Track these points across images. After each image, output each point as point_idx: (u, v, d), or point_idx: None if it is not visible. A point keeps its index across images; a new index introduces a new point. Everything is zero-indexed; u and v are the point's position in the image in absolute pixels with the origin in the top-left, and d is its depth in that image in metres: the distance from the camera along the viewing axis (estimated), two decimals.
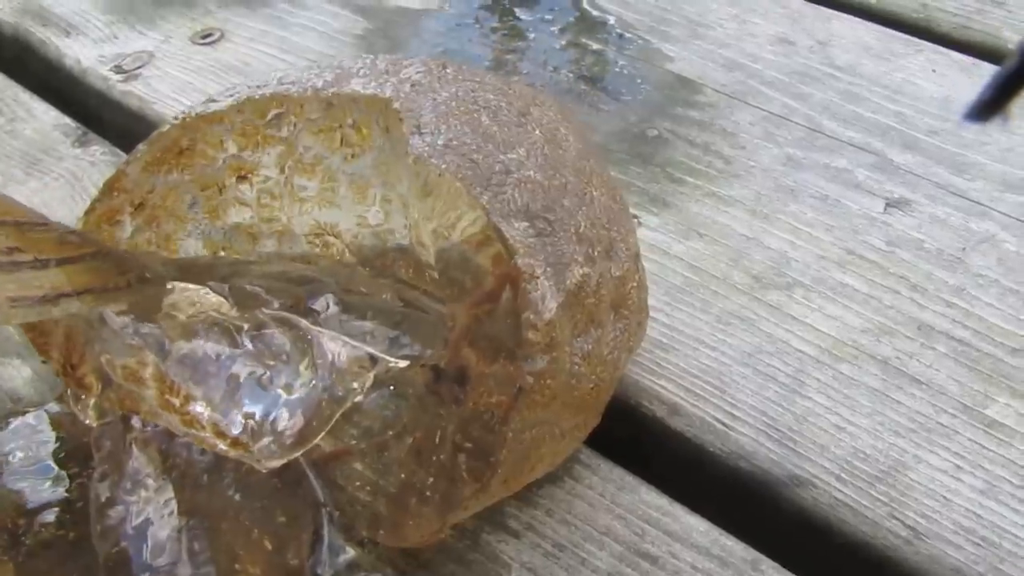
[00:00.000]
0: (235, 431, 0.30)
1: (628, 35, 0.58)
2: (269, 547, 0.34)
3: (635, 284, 0.36)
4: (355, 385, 0.31)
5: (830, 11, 0.58)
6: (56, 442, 0.37)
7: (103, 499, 0.33)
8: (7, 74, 0.58)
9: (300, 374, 0.31)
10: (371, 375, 0.32)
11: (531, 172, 0.33)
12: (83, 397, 0.32)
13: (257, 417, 0.30)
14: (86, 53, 0.60)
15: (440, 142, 0.33)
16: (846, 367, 0.41)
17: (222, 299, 0.31)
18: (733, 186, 0.48)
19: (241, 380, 0.30)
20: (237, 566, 0.33)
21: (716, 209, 0.47)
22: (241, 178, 0.38)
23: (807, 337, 0.42)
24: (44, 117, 0.55)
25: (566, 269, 0.32)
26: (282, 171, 0.39)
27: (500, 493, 0.34)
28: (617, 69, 0.55)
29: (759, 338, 0.42)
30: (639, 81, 0.54)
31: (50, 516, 0.35)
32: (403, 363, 0.32)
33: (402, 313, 0.34)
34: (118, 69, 0.57)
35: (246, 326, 0.31)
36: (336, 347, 0.30)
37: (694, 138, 0.51)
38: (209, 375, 0.30)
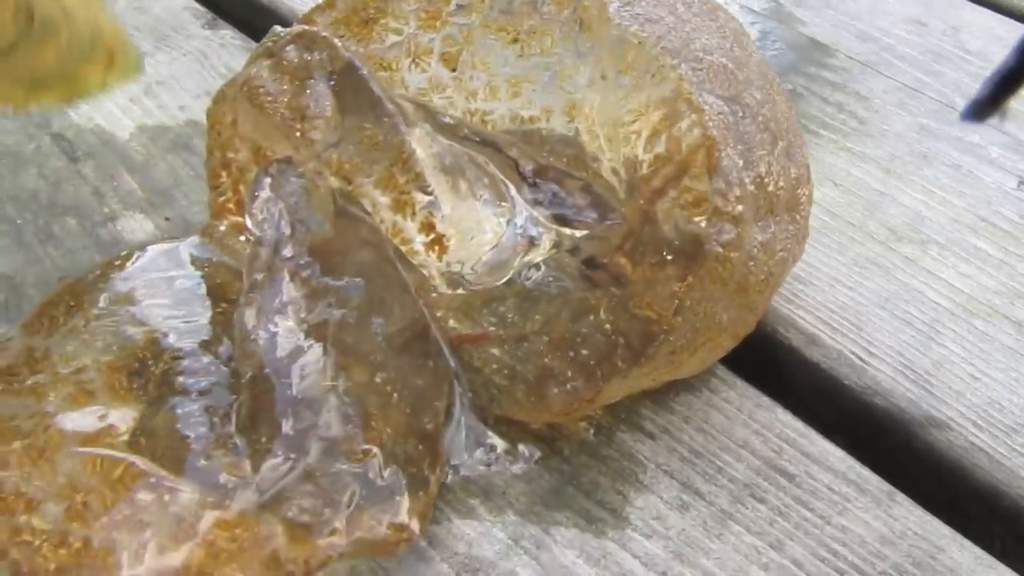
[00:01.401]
0: (443, 228, 0.29)
1: None
2: (407, 410, 0.33)
3: (806, 193, 0.35)
4: (540, 244, 0.30)
5: (962, 0, 0.58)
6: (191, 278, 0.36)
7: (250, 321, 0.32)
8: None
9: (500, 219, 0.30)
10: (553, 237, 0.31)
11: (723, 60, 0.33)
12: (259, 195, 0.32)
13: (466, 232, 0.29)
14: None
15: (640, 14, 0.33)
16: (980, 323, 0.41)
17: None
18: (867, 145, 0.48)
19: (469, 189, 0.30)
20: (376, 422, 0.32)
21: (850, 163, 0.47)
22: (415, 60, 0.38)
23: (942, 291, 0.42)
24: None
25: (754, 153, 0.32)
26: (455, 58, 0.38)
27: (661, 370, 0.33)
28: (748, 23, 0.55)
29: (895, 285, 0.42)
30: (773, 40, 0.54)
31: (182, 345, 0.34)
32: (580, 232, 0.32)
33: (584, 179, 0.34)
34: None
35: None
36: (527, 206, 0.30)
37: (828, 96, 0.51)
38: (448, 170, 0.29)
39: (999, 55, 0.54)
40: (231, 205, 0.38)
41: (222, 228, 0.38)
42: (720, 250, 0.31)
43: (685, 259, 0.31)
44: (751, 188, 0.32)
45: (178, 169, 0.44)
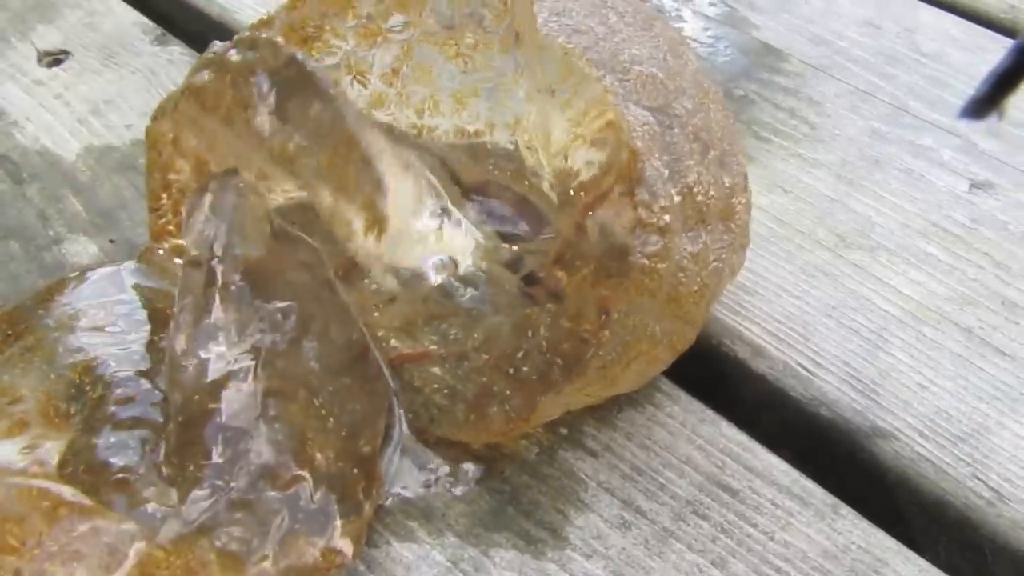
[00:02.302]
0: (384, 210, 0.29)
1: (714, 0, 0.58)
2: (343, 433, 0.33)
3: (743, 202, 0.35)
4: (476, 248, 0.31)
5: (917, 1, 0.58)
6: (129, 303, 0.36)
7: (180, 348, 0.32)
8: None
9: (439, 223, 0.30)
10: (489, 244, 0.31)
11: (654, 70, 0.33)
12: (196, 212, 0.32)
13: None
14: None
15: (568, 24, 0.33)
16: (929, 330, 0.40)
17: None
18: (818, 150, 0.48)
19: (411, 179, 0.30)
20: (310, 448, 0.32)
21: (801, 169, 0.47)
22: (356, 77, 0.38)
23: (890, 298, 0.41)
24: (123, 15, 0.54)
25: (681, 163, 0.32)
26: (395, 74, 0.38)
27: (594, 386, 0.33)
28: (702, 31, 0.55)
29: (843, 293, 0.41)
30: (725, 45, 0.54)
31: (118, 372, 0.33)
32: (517, 245, 0.32)
33: (521, 194, 0.34)
34: None
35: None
36: (463, 217, 0.30)
37: (780, 102, 0.50)
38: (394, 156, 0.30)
39: (954, 57, 0.54)
40: (171, 228, 0.38)
41: (161, 251, 0.38)
42: (646, 262, 0.31)
43: (610, 271, 0.31)
44: (677, 199, 0.32)
45: (123, 190, 0.44)
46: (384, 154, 0.33)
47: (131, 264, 0.37)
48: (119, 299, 0.36)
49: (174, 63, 0.50)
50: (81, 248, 0.41)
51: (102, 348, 0.35)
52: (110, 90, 0.49)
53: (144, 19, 0.53)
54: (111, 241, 0.42)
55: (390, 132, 0.35)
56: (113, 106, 0.48)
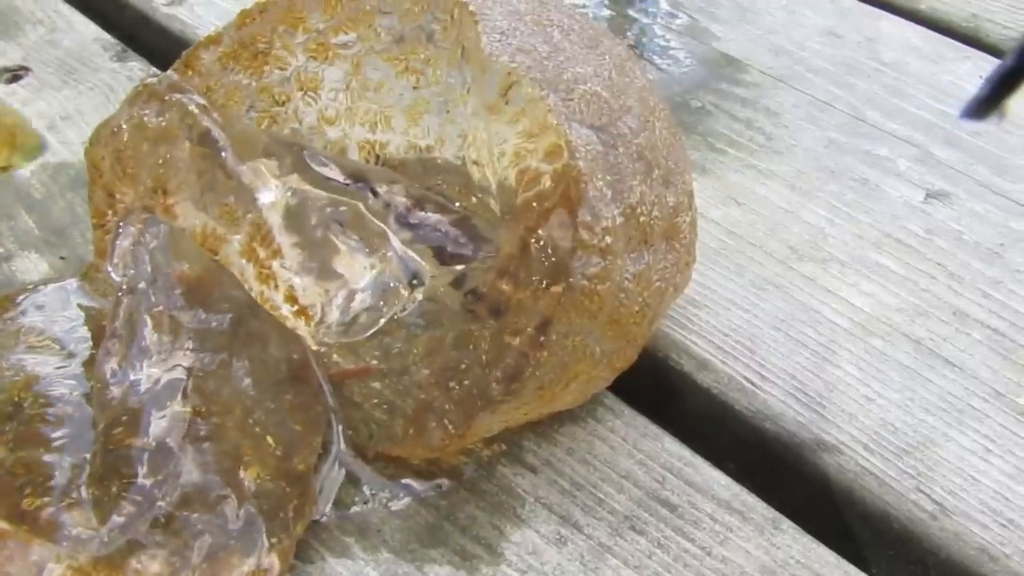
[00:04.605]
0: (306, 300, 0.29)
1: (676, 12, 0.58)
2: (278, 452, 0.33)
3: (687, 220, 0.35)
4: (413, 289, 0.30)
5: (879, 11, 0.58)
6: (72, 321, 0.36)
7: (109, 370, 0.32)
8: None
9: (371, 266, 0.30)
10: (431, 276, 0.31)
11: (598, 88, 0.33)
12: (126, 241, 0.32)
13: (330, 294, 0.29)
14: None
15: (513, 43, 0.32)
16: (878, 342, 0.40)
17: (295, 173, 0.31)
18: (773, 161, 0.48)
19: (330, 253, 0.29)
20: (242, 467, 0.32)
21: (755, 181, 0.47)
22: (307, 93, 0.38)
23: (840, 310, 0.41)
24: (84, 30, 0.54)
25: (624, 183, 0.32)
26: (346, 88, 0.38)
27: (531, 405, 0.33)
28: (663, 42, 0.55)
29: (792, 306, 0.41)
30: (684, 56, 0.54)
31: (55, 391, 0.34)
32: (458, 266, 0.32)
33: (461, 212, 0.34)
34: None
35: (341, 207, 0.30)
36: (401, 247, 0.30)
37: (737, 113, 0.50)
38: (305, 239, 0.29)
39: (914, 66, 0.54)
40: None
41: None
42: (586, 283, 0.31)
43: (550, 292, 0.31)
44: (620, 219, 0.32)
45: (77, 207, 0.44)
46: (298, 223, 0.32)
47: (75, 281, 0.37)
48: (63, 316, 0.37)
49: (133, 81, 0.51)
50: (31, 265, 0.42)
51: (43, 366, 0.35)
52: (68, 107, 0.49)
53: (105, 35, 0.54)
54: (61, 258, 0.42)
55: (312, 179, 0.35)
56: (70, 122, 0.48)
